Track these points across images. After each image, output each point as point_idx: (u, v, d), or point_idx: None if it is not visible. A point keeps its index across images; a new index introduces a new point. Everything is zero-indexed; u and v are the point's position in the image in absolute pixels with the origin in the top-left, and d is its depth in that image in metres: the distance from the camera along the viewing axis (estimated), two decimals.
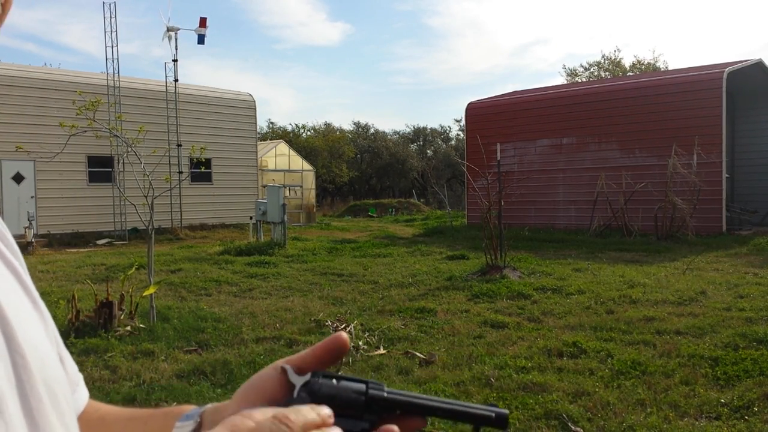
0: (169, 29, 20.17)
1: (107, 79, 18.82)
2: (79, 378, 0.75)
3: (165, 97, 20.30)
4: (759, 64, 18.51)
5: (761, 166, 20.65)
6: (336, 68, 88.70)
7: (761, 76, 19.30)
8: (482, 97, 23.02)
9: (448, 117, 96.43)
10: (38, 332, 0.61)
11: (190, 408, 0.67)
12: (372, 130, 49.56)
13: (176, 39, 20.40)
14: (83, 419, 0.73)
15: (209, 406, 0.64)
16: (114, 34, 18.79)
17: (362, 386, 0.57)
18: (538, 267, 10.84)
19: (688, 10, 73.42)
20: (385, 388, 0.59)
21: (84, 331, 6.20)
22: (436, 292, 8.73)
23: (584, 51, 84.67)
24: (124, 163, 13.98)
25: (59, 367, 0.63)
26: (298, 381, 0.56)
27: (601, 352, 5.57)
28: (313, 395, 0.55)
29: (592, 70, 41.20)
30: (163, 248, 15.08)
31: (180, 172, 19.01)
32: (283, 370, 0.58)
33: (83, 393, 0.75)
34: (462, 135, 41.93)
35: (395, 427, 0.56)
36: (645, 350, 5.63)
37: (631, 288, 8.67)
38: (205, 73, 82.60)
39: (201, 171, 20.36)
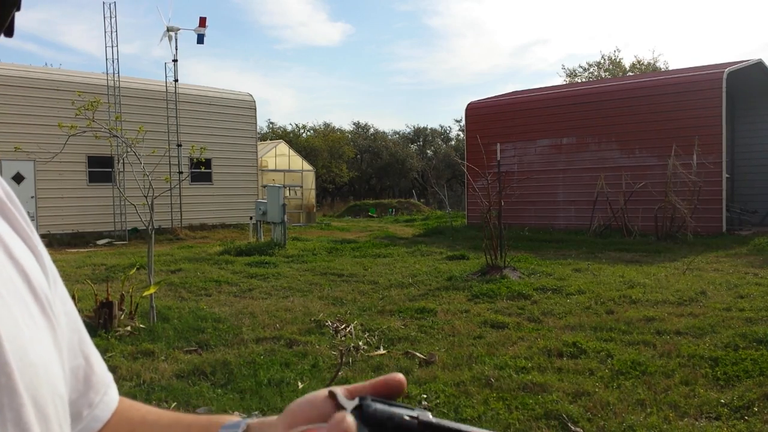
0: (169, 29, 20.18)
1: (107, 79, 18.82)
2: (109, 380, 0.72)
3: (165, 97, 20.30)
4: (759, 64, 18.51)
5: (761, 166, 20.65)
6: (336, 68, 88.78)
7: (761, 76, 19.30)
8: (482, 97, 23.03)
9: (448, 117, 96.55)
10: (39, 344, 0.57)
11: (232, 418, 0.64)
12: (372, 130, 49.61)
13: (176, 39, 20.41)
14: (122, 422, 0.70)
15: (254, 420, 0.62)
16: (114, 34, 18.81)
17: (414, 411, 0.53)
18: (538, 267, 10.84)
19: (688, 10, 73.46)
20: (431, 416, 0.57)
21: None
22: (436, 293, 8.73)
23: (584, 51, 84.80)
24: (124, 163, 13.99)
25: (59, 383, 0.59)
26: (349, 405, 0.53)
27: (601, 353, 5.57)
28: (366, 419, 0.52)
29: (591, 70, 41.23)
30: (163, 248, 15.08)
31: (180, 172, 19.01)
32: (332, 394, 0.55)
33: (113, 396, 0.71)
34: (462, 135, 41.94)
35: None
36: (645, 350, 5.63)
37: (631, 288, 8.67)
38: (206, 73, 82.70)
39: (201, 171, 20.38)
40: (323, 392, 0.57)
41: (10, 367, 0.52)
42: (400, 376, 0.56)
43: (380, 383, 0.56)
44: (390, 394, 0.55)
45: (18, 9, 0.60)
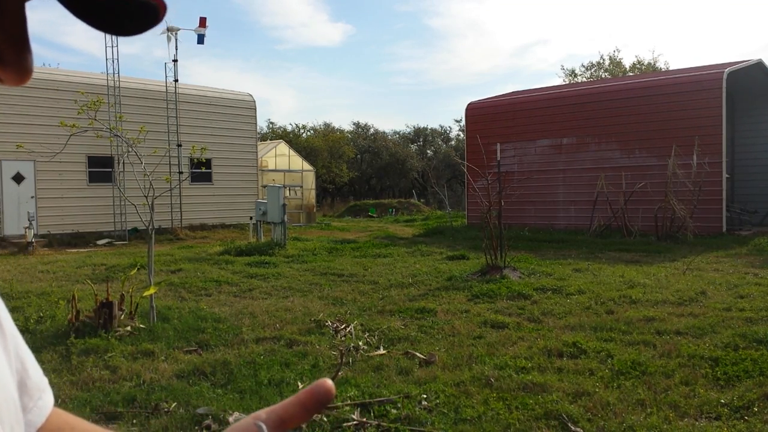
0: (169, 29, 20.18)
1: (107, 79, 18.82)
2: (45, 384, 0.72)
3: (165, 97, 20.30)
4: (759, 64, 18.50)
5: (761, 166, 20.65)
6: (337, 69, 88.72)
7: (761, 76, 19.30)
8: (482, 98, 23.03)
9: (448, 117, 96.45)
10: None
11: None
12: (372, 131, 49.61)
13: (176, 39, 20.41)
14: (57, 428, 0.71)
15: None
16: None
17: None
18: (538, 267, 10.83)
19: (688, 10, 73.42)
20: None
21: (84, 331, 6.20)
22: (436, 293, 8.72)
23: (584, 51, 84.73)
24: (124, 163, 13.98)
25: (11, 387, 0.59)
26: None
27: (601, 353, 5.56)
28: None
29: (592, 70, 41.21)
30: (163, 248, 15.08)
31: (180, 172, 19.01)
32: (258, 428, 0.55)
33: (47, 401, 0.71)
34: (462, 135, 41.95)
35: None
36: (645, 350, 5.63)
37: (631, 288, 8.67)
38: (207, 73, 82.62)
39: (201, 171, 20.37)
40: (256, 417, 0.55)
41: None
42: (328, 383, 0.54)
43: (307, 397, 0.53)
44: (319, 405, 0.54)
45: None
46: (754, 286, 8.68)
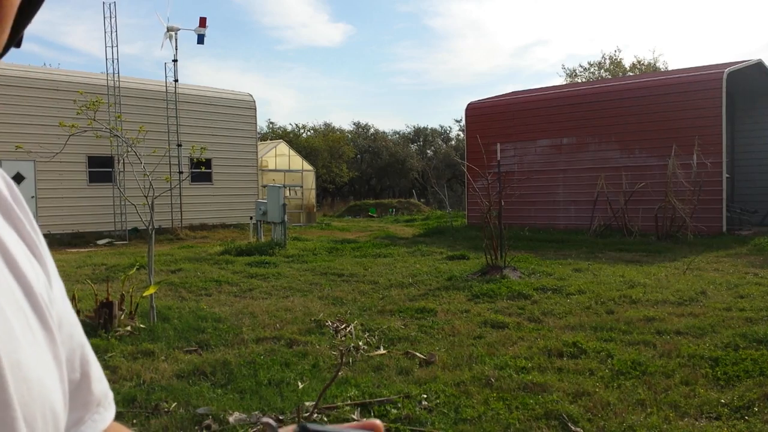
0: (169, 29, 20.18)
1: (107, 79, 18.82)
2: (103, 397, 0.70)
3: (165, 97, 20.30)
4: (759, 64, 18.50)
5: (761, 166, 20.65)
6: (337, 69, 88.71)
7: (761, 76, 19.29)
8: (482, 98, 23.03)
9: (448, 117, 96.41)
10: (35, 359, 0.56)
11: None
12: (372, 130, 49.61)
13: (176, 39, 20.42)
14: None
15: None
16: (114, 34, 18.81)
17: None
18: (538, 267, 10.83)
19: (688, 10, 73.42)
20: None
21: (84, 331, 6.18)
22: (437, 292, 8.72)
23: (584, 52, 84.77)
24: (124, 163, 13.99)
25: (54, 399, 0.58)
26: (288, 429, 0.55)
27: (601, 353, 5.56)
28: None
29: (592, 70, 41.20)
30: (163, 248, 15.08)
31: (180, 172, 19.02)
32: (269, 425, 0.55)
33: (105, 416, 0.69)
34: (462, 135, 41.93)
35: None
36: (645, 350, 5.63)
37: (631, 288, 8.67)
38: (208, 73, 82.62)
39: (201, 171, 20.37)
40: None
41: (6, 381, 0.51)
42: (378, 424, 0.54)
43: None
44: None
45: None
46: (754, 285, 8.68)
